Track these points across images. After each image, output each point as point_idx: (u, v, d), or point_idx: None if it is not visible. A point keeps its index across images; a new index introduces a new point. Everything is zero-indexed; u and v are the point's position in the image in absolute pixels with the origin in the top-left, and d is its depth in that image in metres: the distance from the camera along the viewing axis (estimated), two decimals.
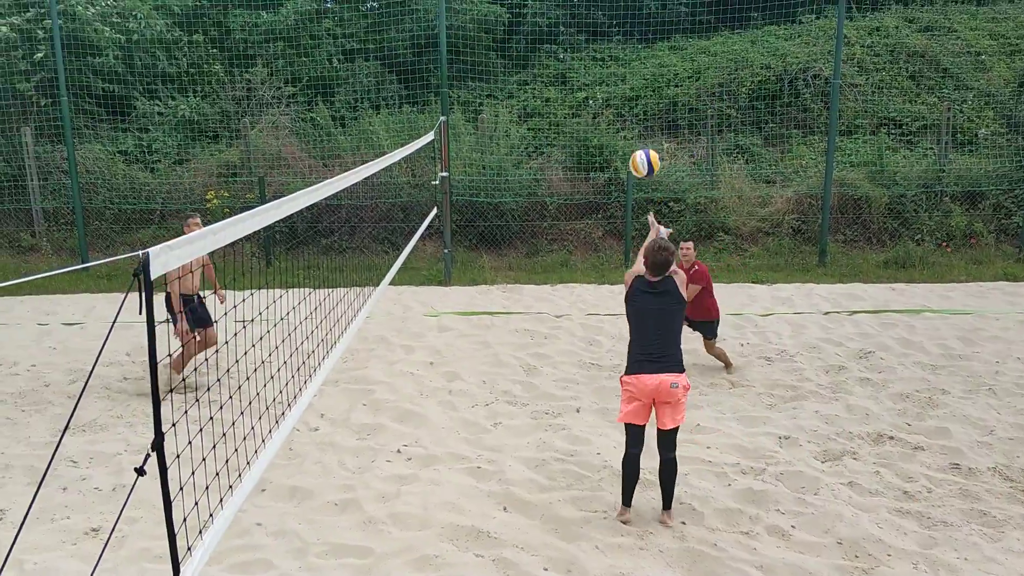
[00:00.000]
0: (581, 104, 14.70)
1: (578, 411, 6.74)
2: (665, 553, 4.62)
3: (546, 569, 4.46)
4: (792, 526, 4.94)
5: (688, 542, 4.73)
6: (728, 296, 10.44)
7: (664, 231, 5.50)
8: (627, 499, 5.03)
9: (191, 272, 7.04)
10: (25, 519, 2.52)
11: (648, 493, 5.33)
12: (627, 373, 4.97)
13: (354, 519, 4.96)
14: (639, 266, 5.06)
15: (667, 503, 5.02)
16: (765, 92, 14.27)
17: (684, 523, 4.96)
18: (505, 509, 5.12)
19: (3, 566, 2.36)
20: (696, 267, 7.45)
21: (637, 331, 4.97)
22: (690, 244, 7.54)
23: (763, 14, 15.67)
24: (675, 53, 15.90)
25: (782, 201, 12.73)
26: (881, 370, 7.66)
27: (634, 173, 6.38)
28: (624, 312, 5.12)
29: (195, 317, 7.01)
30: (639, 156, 6.23)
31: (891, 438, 6.18)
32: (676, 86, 14.74)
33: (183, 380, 6.74)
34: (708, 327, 7.61)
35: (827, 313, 9.59)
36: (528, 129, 14.21)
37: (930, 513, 5.01)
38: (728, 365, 7.70)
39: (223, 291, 7.14)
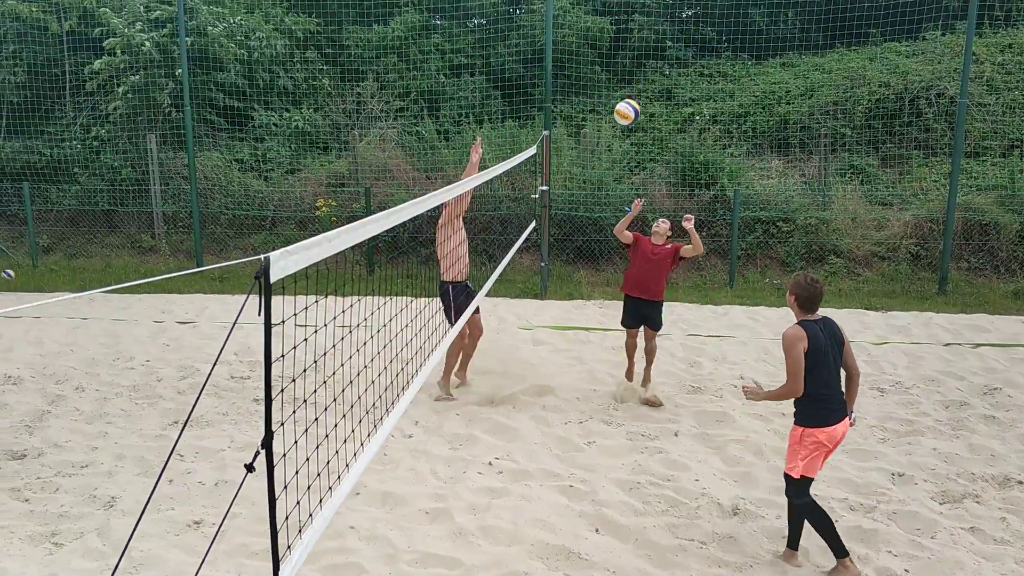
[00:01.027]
0: (687, 120, 14.42)
1: (676, 435, 6.53)
2: None
3: None
4: (905, 570, 4.60)
5: None
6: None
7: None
8: (842, 548, 4.55)
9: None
10: (143, 512, 2.60)
11: (750, 524, 5.08)
12: (816, 425, 4.47)
13: (444, 529, 4.95)
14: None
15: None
16: (883, 111, 13.58)
17: (780, 553, 4.69)
18: (597, 531, 4.99)
19: (124, 552, 2.45)
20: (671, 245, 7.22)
21: (818, 375, 4.46)
22: (667, 223, 7.26)
23: (883, 30, 14.95)
24: (787, 70, 15.40)
25: (899, 225, 12.04)
26: (1008, 408, 7.08)
27: (621, 121, 6.78)
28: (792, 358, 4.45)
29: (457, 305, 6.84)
30: (623, 105, 6.94)
31: (1020, 482, 5.68)
32: (787, 103, 14.26)
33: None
34: (660, 312, 7.22)
35: (948, 344, 8.96)
36: (631, 144, 14.04)
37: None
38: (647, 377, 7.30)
39: None
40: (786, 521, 5.10)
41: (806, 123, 13.78)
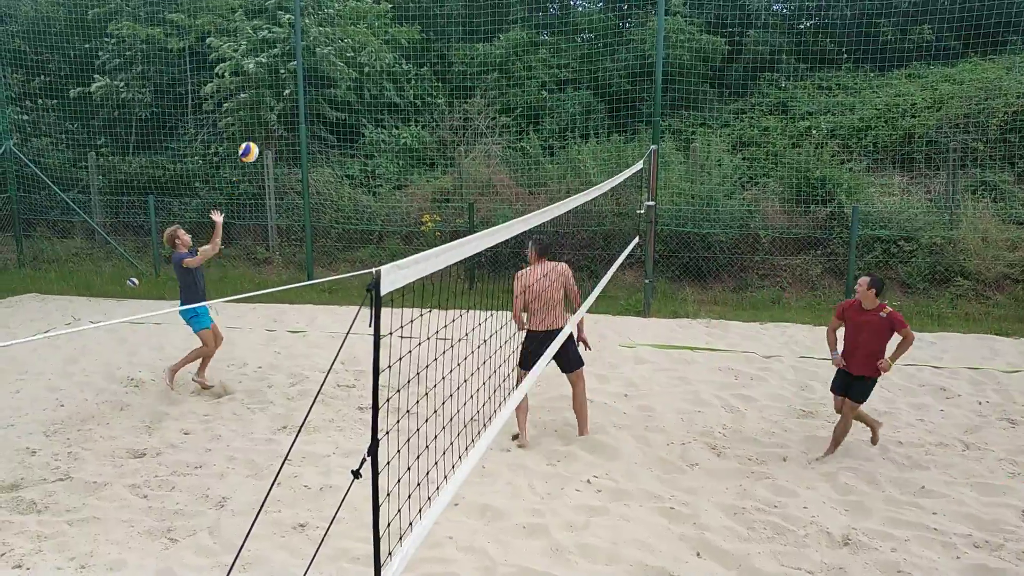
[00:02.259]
0: (803, 134, 13.92)
1: (784, 460, 6.26)
2: None
3: None
4: None
5: None
6: (965, 347, 9.30)
7: None
8: None
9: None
10: (258, 514, 2.72)
11: (862, 556, 4.81)
12: None
13: (542, 544, 4.93)
14: None
15: None
16: (1021, 124, 12.65)
17: None
18: (699, 555, 4.85)
19: (239, 552, 2.58)
20: (887, 312, 6.10)
21: None
22: (864, 279, 6.12)
23: (1023, 37, 13.95)
24: (913, 81, 14.62)
25: None
26: None
27: (247, 160, 7.30)
28: None
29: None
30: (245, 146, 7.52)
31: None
32: (913, 116, 13.53)
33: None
34: (868, 387, 6.22)
35: None
36: (743, 159, 13.68)
37: None
38: (874, 434, 6.45)
39: None
40: (903, 555, 4.80)
41: (933, 137, 13.02)
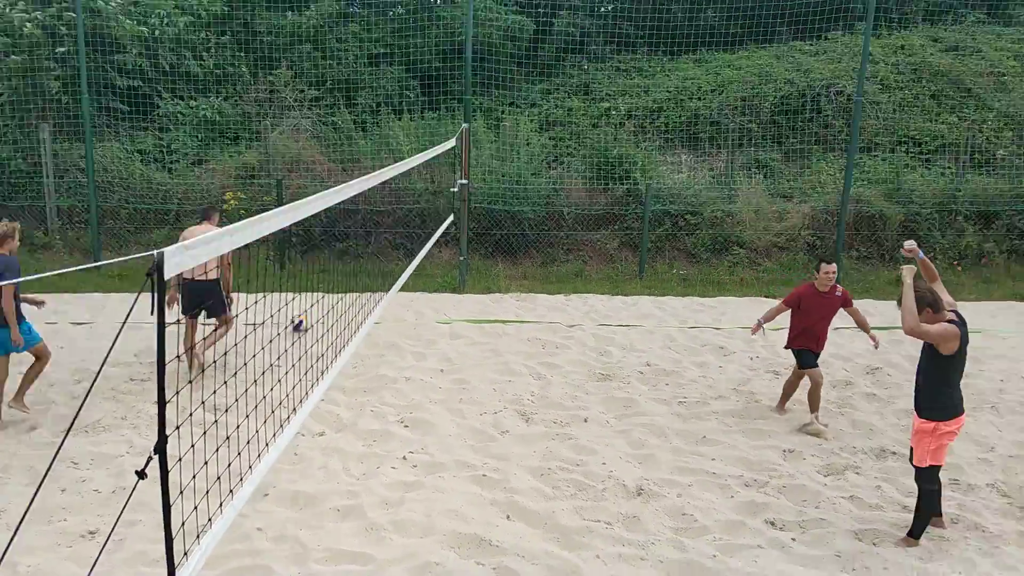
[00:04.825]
0: (603, 115, 14.73)
1: (586, 421, 6.76)
2: (665, 563, 4.64)
3: None
4: (793, 539, 4.94)
5: (688, 553, 4.74)
6: (739, 309, 10.42)
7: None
8: (919, 534, 4.90)
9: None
10: (22, 521, 2.55)
11: (652, 504, 5.34)
12: (949, 417, 4.74)
13: (356, 525, 5.00)
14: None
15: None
16: (787, 107, 14.22)
17: (683, 531, 4.96)
18: (509, 517, 5.15)
19: None
20: (840, 290, 6.74)
21: (957, 369, 4.76)
22: (833, 266, 6.65)
23: (791, 29, 15.60)
24: (700, 66, 15.89)
25: (798, 216, 12.67)
26: (887, 386, 7.63)
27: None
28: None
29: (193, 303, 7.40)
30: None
31: (893, 453, 6.16)
32: (699, 99, 14.73)
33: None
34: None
35: (837, 328, 9.49)
36: (549, 138, 14.26)
37: (928, 528, 4.97)
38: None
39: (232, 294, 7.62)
40: (687, 499, 5.40)
41: (716, 118, 14.29)
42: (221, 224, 7.51)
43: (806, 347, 6.71)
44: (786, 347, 6.94)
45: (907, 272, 4.87)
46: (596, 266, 12.60)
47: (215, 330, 7.51)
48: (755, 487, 5.63)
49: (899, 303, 4.74)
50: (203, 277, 7.28)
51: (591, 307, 10.52)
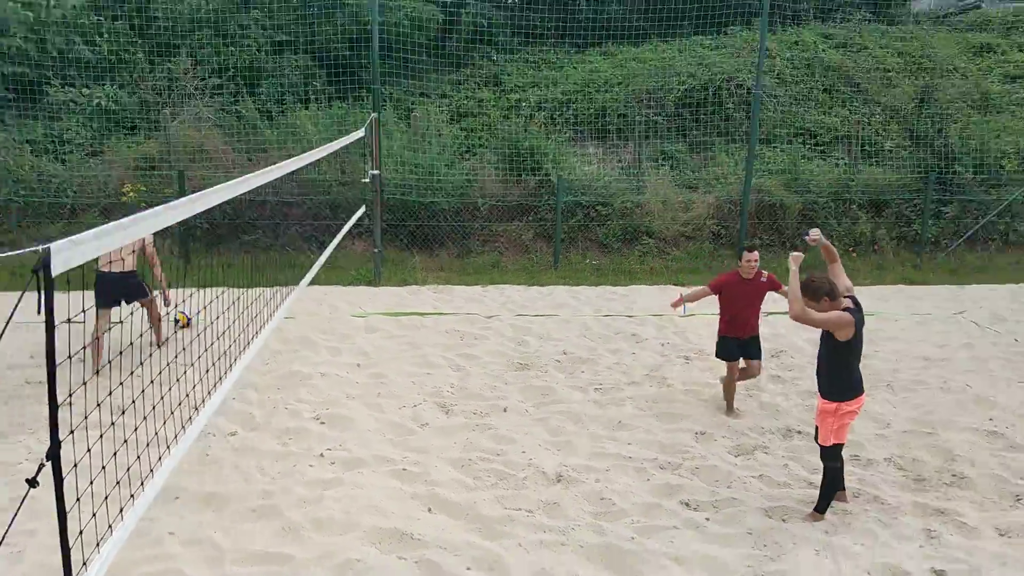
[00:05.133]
0: (514, 107, 14.78)
1: (505, 410, 6.80)
2: (585, 548, 4.72)
3: (469, 568, 4.50)
4: (707, 519, 5.13)
5: (607, 537, 4.84)
6: (650, 297, 10.71)
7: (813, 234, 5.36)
8: (825, 509, 5.14)
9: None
10: None
11: (572, 490, 5.43)
12: (851, 398, 4.94)
13: (273, 526, 4.88)
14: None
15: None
16: (691, 100, 14.65)
17: (601, 516, 5.07)
18: (430, 510, 5.14)
19: None
20: (766, 275, 6.78)
21: (854, 353, 4.95)
22: (755, 254, 6.70)
23: (693, 23, 16.07)
24: (607, 59, 16.16)
25: (703, 206, 13.11)
26: (791, 368, 8.00)
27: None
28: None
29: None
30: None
31: (799, 432, 6.47)
32: (606, 92, 14.99)
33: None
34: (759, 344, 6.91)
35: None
36: (461, 129, 14.21)
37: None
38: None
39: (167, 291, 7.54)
40: (605, 484, 5.52)
41: (623, 111, 14.58)
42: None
43: (730, 334, 6.78)
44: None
45: (793, 260, 5.12)
46: (512, 257, 12.67)
47: (151, 327, 7.46)
48: (670, 469, 5.81)
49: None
50: (120, 269, 7.16)
51: (508, 298, 10.58)
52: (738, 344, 6.76)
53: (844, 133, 14.33)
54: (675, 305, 6.91)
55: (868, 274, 12.11)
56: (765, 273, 6.79)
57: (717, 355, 6.92)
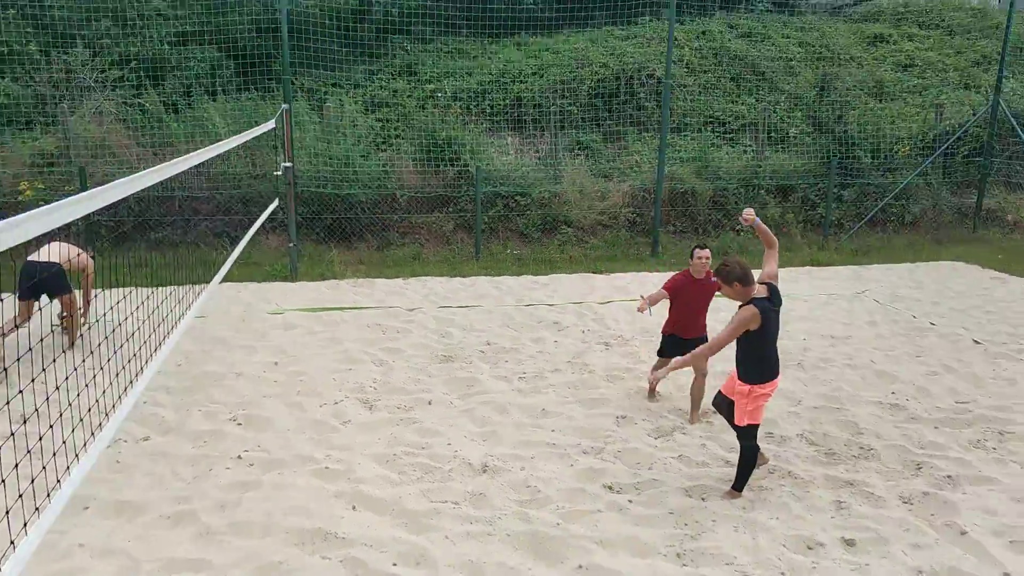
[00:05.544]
0: (430, 96, 14.67)
1: (430, 403, 6.77)
2: (512, 537, 4.76)
3: (395, 564, 4.47)
4: (630, 500, 5.24)
5: (534, 524, 4.89)
6: (571, 286, 10.85)
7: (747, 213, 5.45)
8: (742, 487, 5.35)
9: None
10: None
11: (498, 479, 5.46)
12: (764, 381, 5.10)
13: (190, 532, 4.72)
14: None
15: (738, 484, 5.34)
16: (604, 90, 14.87)
17: (527, 504, 5.13)
18: (354, 508, 5.07)
19: None
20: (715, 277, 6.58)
21: (766, 340, 5.08)
22: (707, 252, 6.55)
23: (604, 14, 16.29)
24: (521, 50, 16.21)
25: (619, 195, 13.35)
26: None
27: None
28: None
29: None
30: None
31: (714, 412, 6.65)
32: (521, 82, 15.05)
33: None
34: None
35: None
36: (376, 119, 14.01)
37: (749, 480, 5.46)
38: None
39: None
40: (530, 472, 5.58)
41: (538, 101, 14.68)
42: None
43: (675, 333, 6.72)
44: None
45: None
46: (433, 248, 12.61)
47: (68, 325, 7.23)
48: (592, 454, 5.91)
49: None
50: (46, 258, 7.14)
51: (430, 290, 10.52)
52: (678, 343, 6.65)
53: (751, 121, 14.84)
54: (641, 309, 6.58)
55: (779, 257, 12.59)
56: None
57: (659, 353, 6.89)
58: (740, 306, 5.10)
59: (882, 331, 9.03)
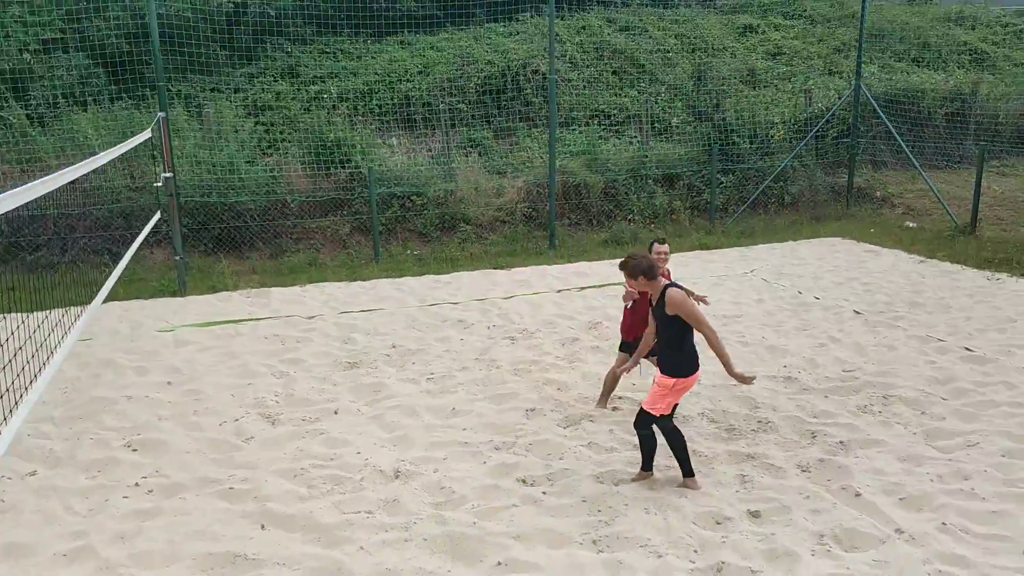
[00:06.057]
0: (315, 98, 14.34)
1: (336, 413, 6.65)
2: (429, 540, 4.75)
3: None
4: (543, 492, 5.33)
5: (449, 525, 4.90)
6: (472, 282, 10.88)
7: None
8: (690, 470, 5.42)
9: None
10: None
11: (411, 483, 5.43)
12: (689, 374, 5.27)
13: (88, 568, 4.46)
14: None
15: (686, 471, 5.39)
16: (491, 87, 14.97)
17: (442, 505, 5.13)
18: (263, 527, 4.93)
19: None
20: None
21: (689, 330, 5.25)
22: (666, 247, 6.50)
23: (485, 11, 16.37)
24: (405, 48, 16.09)
25: (514, 191, 13.49)
26: (608, 338, 8.46)
27: None
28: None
29: None
30: None
31: (620, 398, 6.87)
32: (408, 81, 14.94)
33: None
34: None
35: (559, 291, 10.37)
36: (259, 124, 13.57)
37: (656, 460, 5.65)
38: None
39: None
40: (443, 473, 5.57)
41: (427, 100, 14.62)
42: None
43: (628, 337, 6.48)
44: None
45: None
46: (330, 253, 12.34)
47: None
48: (504, 449, 5.96)
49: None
50: None
51: (329, 295, 10.30)
52: (628, 344, 6.46)
53: (635, 112, 15.30)
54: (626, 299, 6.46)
55: (670, 244, 13.04)
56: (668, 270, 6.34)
57: (621, 348, 6.66)
58: (663, 295, 5.18)
59: (770, 307, 9.52)
